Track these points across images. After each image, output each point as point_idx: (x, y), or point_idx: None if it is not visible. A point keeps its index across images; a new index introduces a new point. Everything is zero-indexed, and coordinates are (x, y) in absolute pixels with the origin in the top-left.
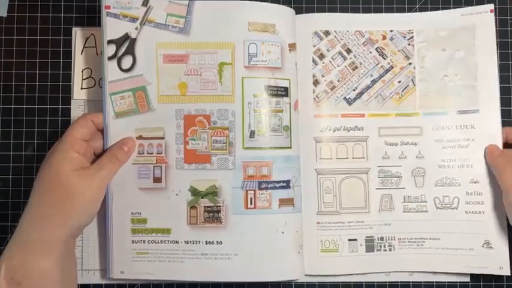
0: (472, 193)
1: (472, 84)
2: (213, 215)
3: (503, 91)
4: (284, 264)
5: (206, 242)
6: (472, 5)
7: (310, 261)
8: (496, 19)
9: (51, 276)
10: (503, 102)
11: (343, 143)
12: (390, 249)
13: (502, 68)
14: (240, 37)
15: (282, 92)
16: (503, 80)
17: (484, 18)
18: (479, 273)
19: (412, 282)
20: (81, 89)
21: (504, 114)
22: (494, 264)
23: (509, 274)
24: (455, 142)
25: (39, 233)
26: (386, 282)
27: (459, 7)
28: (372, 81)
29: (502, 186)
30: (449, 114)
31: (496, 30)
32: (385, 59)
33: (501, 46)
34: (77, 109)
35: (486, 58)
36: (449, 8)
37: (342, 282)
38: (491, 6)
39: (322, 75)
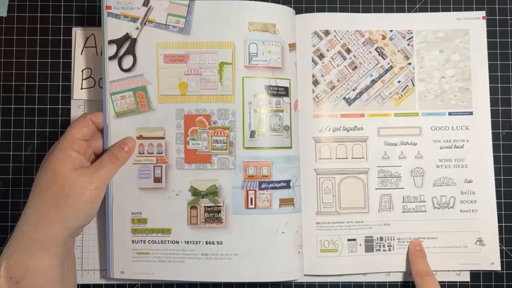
0: (466, 192)
1: (467, 87)
2: (214, 215)
3: (504, 91)
4: (284, 264)
5: (206, 242)
6: (471, 5)
7: (309, 261)
8: (496, 19)
9: (50, 275)
10: (504, 102)
11: (342, 143)
12: (390, 249)
13: (502, 68)
14: (240, 37)
15: (282, 91)
16: (503, 80)
17: (477, 24)
18: (472, 269)
19: (412, 282)
20: (81, 89)
21: (504, 114)
22: (486, 261)
23: (500, 269)
24: (451, 142)
25: (38, 233)
26: (386, 282)
27: (458, 7)
28: (371, 81)
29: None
30: (446, 115)
31: (497, 30)
32: (384, 59)
33: (501, 46)
34: (77, 109)
35: (478, 63)
36: (449, 10)
37: (341, 282)
38: (483, 13)
39: (322, 75)
